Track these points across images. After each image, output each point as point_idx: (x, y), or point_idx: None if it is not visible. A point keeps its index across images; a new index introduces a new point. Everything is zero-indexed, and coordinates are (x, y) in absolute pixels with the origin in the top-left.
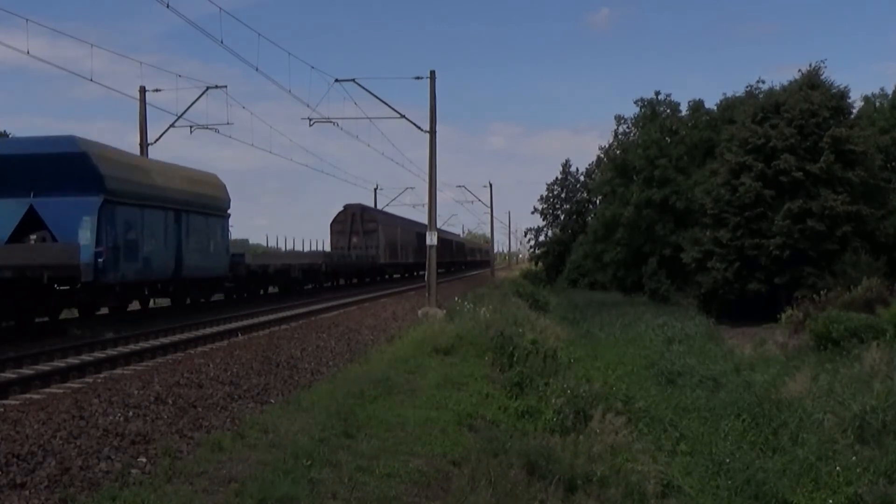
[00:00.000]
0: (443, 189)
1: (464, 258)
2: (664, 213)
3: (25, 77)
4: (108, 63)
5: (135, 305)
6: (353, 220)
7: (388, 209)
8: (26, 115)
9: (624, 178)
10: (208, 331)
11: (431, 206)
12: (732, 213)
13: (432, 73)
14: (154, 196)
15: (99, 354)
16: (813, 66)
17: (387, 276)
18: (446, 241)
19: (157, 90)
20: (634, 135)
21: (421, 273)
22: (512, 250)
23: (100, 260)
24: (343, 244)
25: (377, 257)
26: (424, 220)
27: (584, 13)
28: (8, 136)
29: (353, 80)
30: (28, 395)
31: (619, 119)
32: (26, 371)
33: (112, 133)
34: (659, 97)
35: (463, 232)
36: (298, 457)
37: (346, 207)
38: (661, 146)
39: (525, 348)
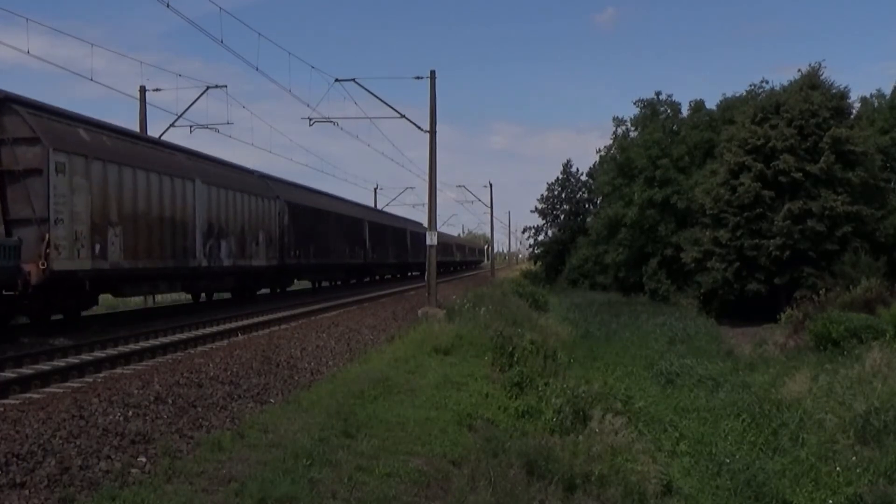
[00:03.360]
0: (443, 189)
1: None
2: (666, 213)
3: (25, 76)
4: (109, 62)
5: (135, 305)
6: None
7: (388, 209)
8: None
9: (626, 178)
10: (208, 330)
11: (431, 206)
12: (732, 214)
13: (432, 72)
14: None
15: (99, 354)
16: (813, 66)
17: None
18: (394, 230)
19: (157, 90)
20: (638, 133)
21: (284, 290)
22: (512, 250)
23: None
24: None
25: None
26: (391, 212)
27: (589, 12)
28: None
29: (354, 79)
30: (28, 395)
31: (618, 121)
32: (26, 371)
33: None
34: (659, 97)
35: (463, 232)
36: (298, 456)
37: None
38: (662, 146)
39: (525, 348)
